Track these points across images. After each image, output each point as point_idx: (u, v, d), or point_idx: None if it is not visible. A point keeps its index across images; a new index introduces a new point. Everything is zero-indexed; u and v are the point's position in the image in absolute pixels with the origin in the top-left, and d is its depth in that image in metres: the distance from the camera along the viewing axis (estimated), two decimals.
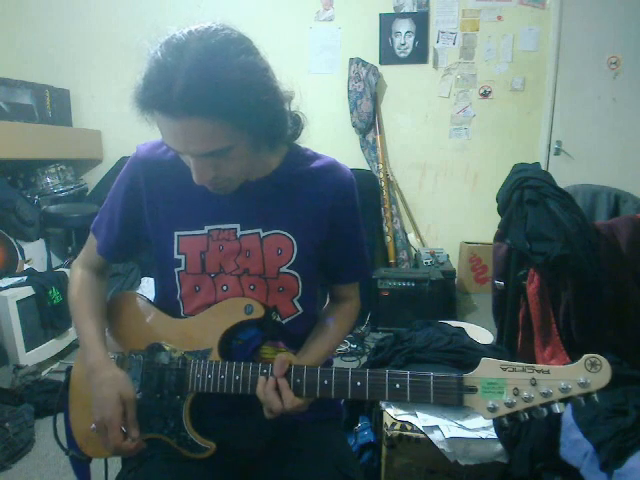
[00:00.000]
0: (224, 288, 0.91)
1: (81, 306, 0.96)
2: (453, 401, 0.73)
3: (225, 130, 0.72)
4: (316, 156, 0.95)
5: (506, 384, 0.71)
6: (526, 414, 0.71)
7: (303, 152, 0.95)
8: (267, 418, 0.82)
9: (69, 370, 1.01)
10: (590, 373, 0.68)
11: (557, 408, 0.69)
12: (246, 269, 0.91)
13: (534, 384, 0.70)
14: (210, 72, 0.68)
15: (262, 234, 0.90)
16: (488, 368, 0.73)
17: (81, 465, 0.99)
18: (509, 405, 0.70)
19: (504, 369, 0.72)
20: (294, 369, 0.82)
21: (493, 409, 0.71)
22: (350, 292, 1.05)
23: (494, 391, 0.71)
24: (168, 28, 0.73)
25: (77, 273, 1.01)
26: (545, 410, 0.70)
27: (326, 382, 0.80)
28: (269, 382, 0.81)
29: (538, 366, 0.70)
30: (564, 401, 0.69)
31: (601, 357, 0.68)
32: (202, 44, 0.70)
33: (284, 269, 0.91)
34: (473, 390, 0.72)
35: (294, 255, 0.91)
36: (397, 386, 0.76)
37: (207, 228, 0.90)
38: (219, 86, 0.68)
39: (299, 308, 0.96)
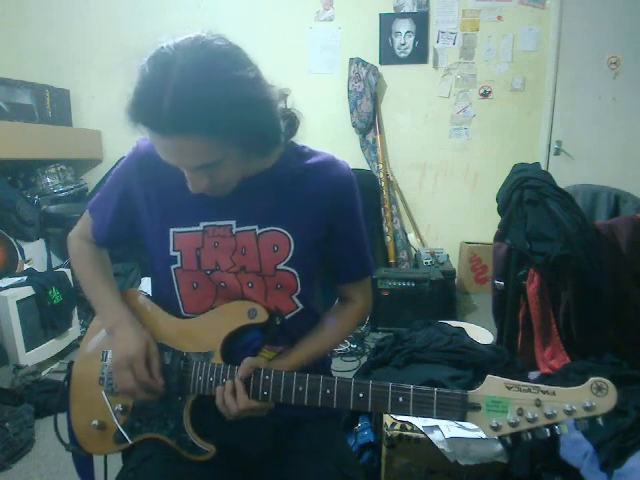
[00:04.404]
0: (222, 284, 0.91)
1: (88, 273, 1.00)
2: (456, 417, 0.73)
3: (215, 145, 0.72)
4: (313, 153, 0.95)
5: (510, 403, 0.70)
6: (529, 434, 0.70)
7: (300, 149, 0.94)
8: (228, 419, 0.84)
9: (71, 365, 1.01)
10: (596, 397, 0.67)
11: (560, 430, 0.68)
12: (243, 266, 0.90)
13: (539, 405, 0.69)
14: (197, 90, 0.68)
15: (258, 231, 0.90)
16: (493, 386, 0.72)
17: (84, 463, 0.99)
18: (512, 425, 0.70)
19: (509, 388, 0.71)
20: (260, 373, 0.83)
21: (496, 428, 0.70)
22: (355, 293, 1.03)
23: (498, 410, 0.70)
24: (158, 40, 0.72)
25: (76, 245, 1.03)
26: (548, 431, 0.69)
27: (300, 389, 0.81)
28: (227, 385, 0.83)
29: (544, 387, 0.70)
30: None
31: (607, 381, 0.68)
32: (188, 60, 0.69)
33: (281, 266, 0.91)
34: (477, 408, 0.72)
35: (290, 252, 0.90)
36: (400, 399, 0.75)
37: (202, 224, 0.90)
38: (207, 104, 0.68)
39: (299, 304, 0.95)
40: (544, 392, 0.69)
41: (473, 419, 0.72)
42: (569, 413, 0.67)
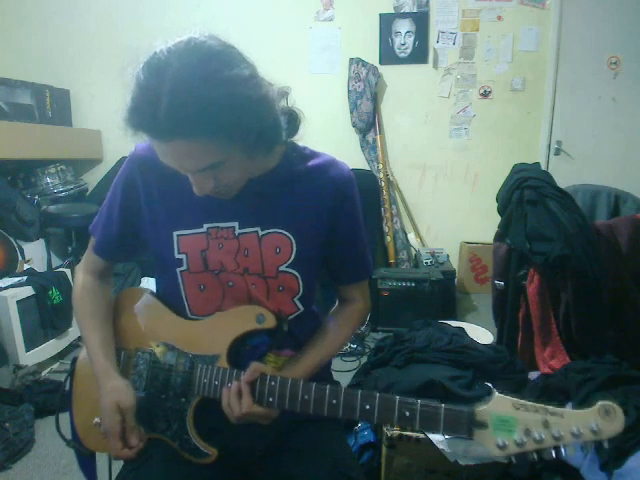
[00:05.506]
0: (230, 284, 0.91)
1: (84, 313, 0.97)
2: (462, 434, 0.72)
3: (215, 146, 0.72)
4: (314, 154, 0.95)
5: (517, 423, 0.70)
6: (535, 454, 0.70)
7: (301, 151, 0.94)
8: (233, 423, 0.83)
9: (74, 362, 1.01)
10: (603, 420, 0.67)
11: (567, 452, 0.68)
12: (246, 268, 0.90)
13: (546, 426, 0.68)
14: (192, 93, 0.68)
15: (260, 232, 0.90)
16: (500, 405, 0.71)
17: (86, 460, 0.99)
18: (519, 445, 0.69)
19: (517, 408, 0.70)
20: (266, 378, 0.82)
21: (502, 447, 0.70)
22: (355, 293, 1.04)
23: (504, 429, 0.70)
24: (152, 45, 0.72)
25: (80, 278, 1.01)
26: (554, 452, 0.69)
27: (306, 397, 0.80)
28: (233, 387, 0.82)
29: (551, 408, 0.69)
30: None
31: (616, 406, 0.67)
32: (182, 63, 0.69)
33: (283, 268, 0.91)
34: (484, 426, 0.71)
35: (293, 254, 0.90)
36: (407, 414, 0.74)
37: (206, 226, 0.90)
38: (203, 106, 0.68)
39: (300, 307, 0.96)
40: (552, 413, 0.69)
41: (479, 437, 0.72)
42: (576, 436, 0.67)
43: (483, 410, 0.72)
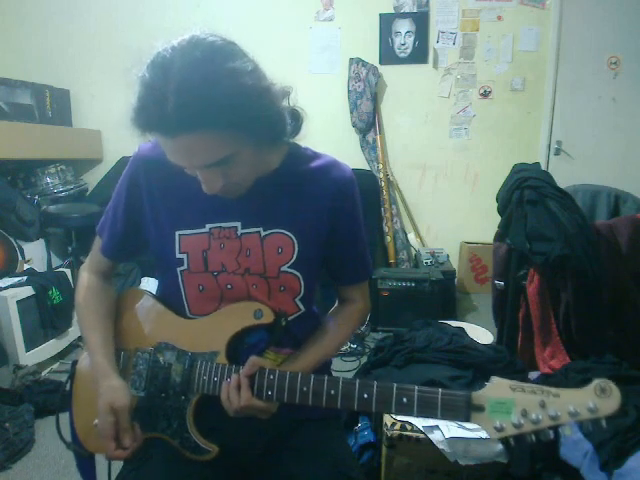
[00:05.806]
0: (228, 287, 0.91)
1: (87, 312, 0.97)
2: (460, 418, 0.73)
3: (225, 139, 0.72)
4: (316, 155, 0.95)
5: (514, 405, 0.70)
6: (533, 436, 0.70)
7: (303, 151, 0.95)
8: (231, 416, 0.83)
9: (74, 364, 1.01)
10: (599, 399, 0.67)
11: (564, 431, 0.69)
12: (247, 268, 0.91)
13: (543, 406, 0.68)
14: (198, 86, 0.68)
15: (263, 233, 0.90)
16: (497, 387, 0.71)
17: (85, 462, 0.99)
18: (516, 426, 0.69)
19: (513, 389, 0.70)
20: (264, 372, 0.82)
21: (500, 429, 0.70)
22: (354, 294, 1.04)
23: (502, 411, 0.70)
24: (155, 46, 0.73)
25: (84, 278, 1.02)
26: (552, 433, 0.69)
27: (305, 389, 0.80)
28: (232, 380, 0.82)
29: (547, 388, 0.69)
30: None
31: (611, 383, 0.67)
32: (186, 59, 0.70)
33: (285, 268, 0.91)
34: (481, 409, 0.71)
35: (295, 254, 0.91)
36: (404, 400, 0.75)
37: (208, 226, 0.90)
38: (210, 98, 0.68)
39: (301, 307, 0.96)
40: (548, 394, 0.69)
41: (477, 420, 0.72)
42: (573, 415, 0.67)
43: (480, 394, 0.72)
